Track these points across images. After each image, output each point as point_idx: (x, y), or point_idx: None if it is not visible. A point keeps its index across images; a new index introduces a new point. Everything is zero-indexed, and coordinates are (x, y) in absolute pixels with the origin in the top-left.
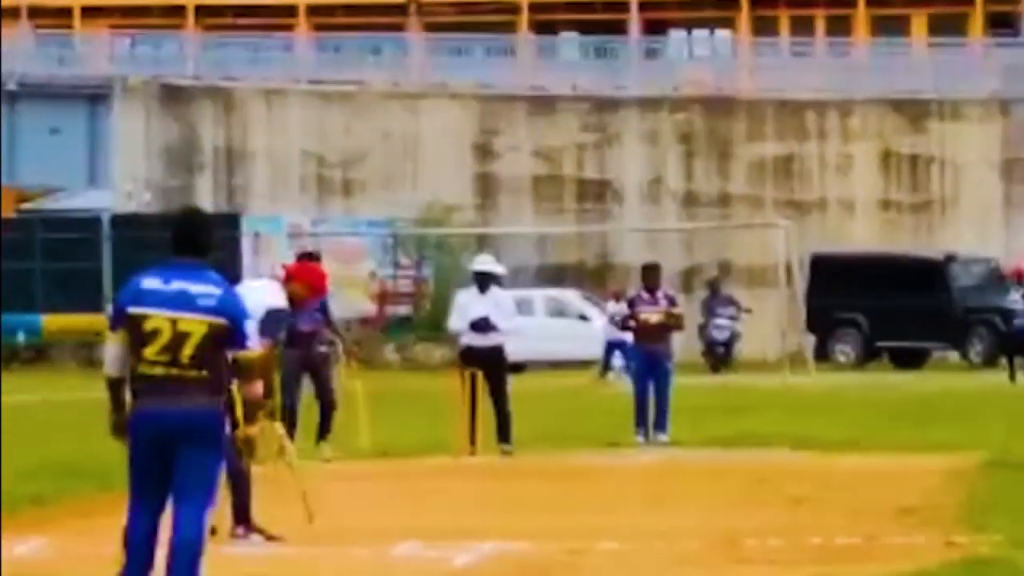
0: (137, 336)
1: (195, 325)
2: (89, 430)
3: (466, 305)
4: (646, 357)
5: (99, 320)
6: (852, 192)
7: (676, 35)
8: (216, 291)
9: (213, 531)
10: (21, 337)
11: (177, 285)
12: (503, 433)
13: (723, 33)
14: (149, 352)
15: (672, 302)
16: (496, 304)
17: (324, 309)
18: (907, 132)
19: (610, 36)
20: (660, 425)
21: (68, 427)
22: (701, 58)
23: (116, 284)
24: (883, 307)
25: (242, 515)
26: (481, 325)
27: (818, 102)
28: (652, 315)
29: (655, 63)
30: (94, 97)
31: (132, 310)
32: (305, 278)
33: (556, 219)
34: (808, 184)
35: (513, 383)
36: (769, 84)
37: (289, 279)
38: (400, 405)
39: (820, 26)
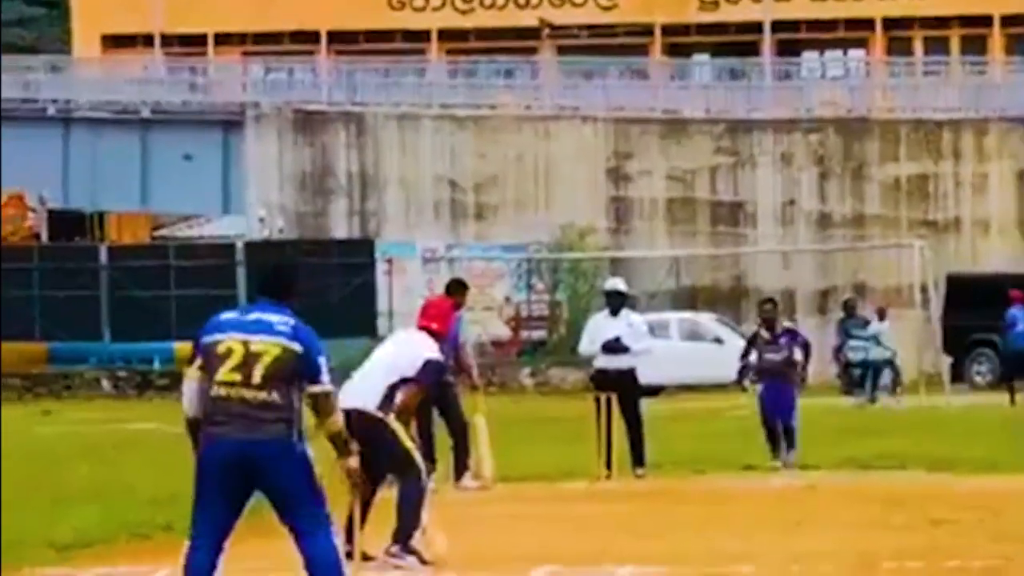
0: (211, 362)
1: (268, 346)
2: None
3: (598, 328)
4: (771, 394)
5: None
6: (988, 211)
7: (809, 56)
8: (291, 320)
9: (350, 555)
10: (156, 364)
11: (254, 316)
12: (636, 456)
13: (856, 53)
14: (221, 373)
15: (794, 340)
16: (628, 325)
17: (456, 342)
18: None
19: (743, 58)
20: (790, 444)
21: None
22: (835, 79)
23: None
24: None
25: (404, 534)
26: (613, 347)
27: (953, 121)
28: (773, 360)
29: (788, 85)
30: (227, 124)
31: (207, 339)
32: (432, 315)
33: (690, 242)
34: (943, 204)
35: (648, 406)
36: (903, 104)
37: (422, 314)
38: (535, 430)
39: (955, 45)
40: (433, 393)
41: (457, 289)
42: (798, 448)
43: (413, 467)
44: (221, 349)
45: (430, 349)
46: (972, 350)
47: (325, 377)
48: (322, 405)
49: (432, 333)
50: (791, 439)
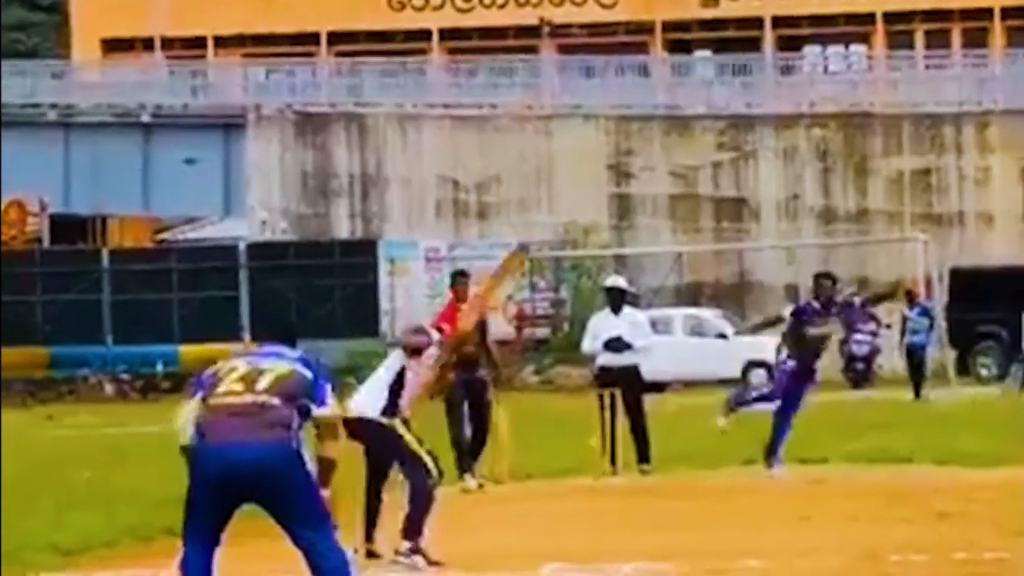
0: (214, 384)
1: (276, 365)
2: None
3: (600, 325)
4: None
5: (238, 349)
6: (991, 205)
7: (811, 51)
8: (298, 353)
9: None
10: (159, 368)
11: (264, 350)
12: (641, 453)
13: (858, 48)
14: (224, 386)
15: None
16: (630, 323)
17: (483, 331)
18: None
19: (744, 54)
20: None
21: None
22: (836, 74)
23: (253, 312)
24: None
25: (413, 531)
26: (615, 345)
27: (955, 115)
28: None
29: (790, 80)
30: (228, 126)
31: (211, 368)
32: (442, 316)
33: (693, 238)
34: (946, 198)
35: (652, 403)
36: (905, 98)
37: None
38: (539, 427)
39: (956, 38)
40: (465, 385)
41: (459, 280)
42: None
43: (420, 466)
44: (225, 370)
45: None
46: (977, 343)
47: (331, 402)
48: (325, 429)
49: (441, 331)
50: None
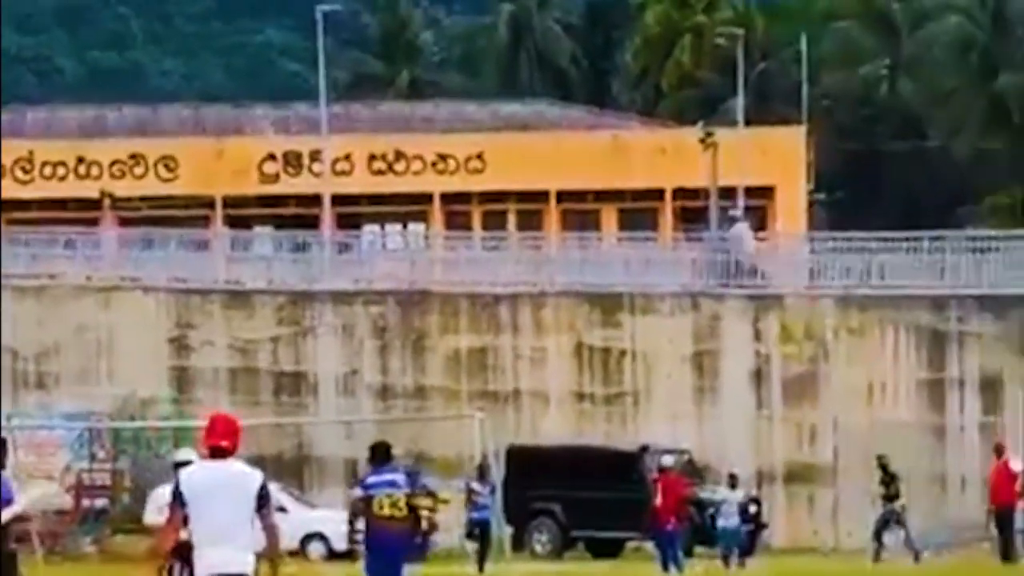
0: None
1: None
2: None
3: (164, 497)
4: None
5: None
6: (546, 384)
7: (369, 229)
8: None
9: None
10: None
11: None
12: None
13: (416, 227)
14: None
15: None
16: None
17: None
18: (600, 325)
19: (303, 230)
20: None
21: None
22: (394, 252)
23: None
24: (579, 497)
25: None
26: None
27: (511, 295)
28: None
29: (349, 257)
30: None
31: None
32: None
33: (253, 411)
34: (503, 376)
35: None
36: (463, 277)
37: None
38: None
39: (512, 219)
40: None
41: None
42: None
43: None
44: None
45: None
46: (532, 519)
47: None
48: None
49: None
50: None
